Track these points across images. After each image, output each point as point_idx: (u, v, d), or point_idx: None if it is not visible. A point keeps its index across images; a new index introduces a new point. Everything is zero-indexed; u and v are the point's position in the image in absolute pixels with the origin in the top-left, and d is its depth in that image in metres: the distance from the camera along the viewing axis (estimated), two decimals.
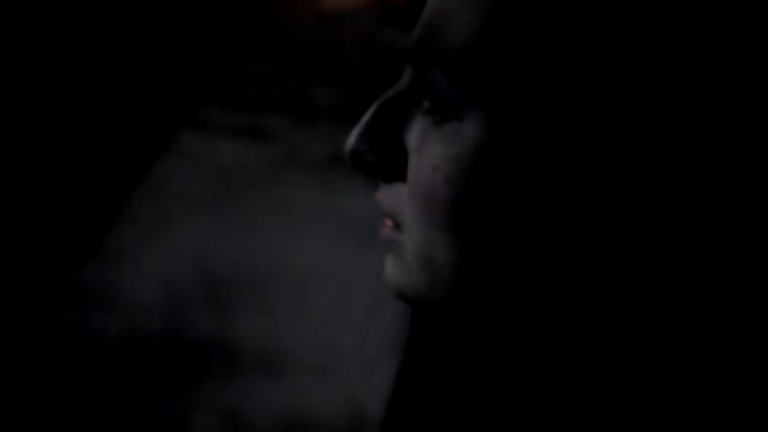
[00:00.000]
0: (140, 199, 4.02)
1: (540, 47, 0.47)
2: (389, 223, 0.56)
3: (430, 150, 0.52)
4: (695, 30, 0.46)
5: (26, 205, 3.68)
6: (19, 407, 2.60)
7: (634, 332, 0.48)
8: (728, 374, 0.48)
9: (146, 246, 3.61)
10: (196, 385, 2.80)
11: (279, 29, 6.92)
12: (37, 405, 2.62)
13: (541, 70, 0.47)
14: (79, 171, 4.03)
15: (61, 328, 2.99)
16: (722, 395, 0.48)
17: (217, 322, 3.13)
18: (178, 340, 3.01)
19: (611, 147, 0.47)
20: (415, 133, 0.53)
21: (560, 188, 0.48)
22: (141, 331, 3.03)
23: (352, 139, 0.55)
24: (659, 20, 0.46)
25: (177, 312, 3.16)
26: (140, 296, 3.22)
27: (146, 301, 3.20)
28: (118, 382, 2.76)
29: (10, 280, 3.19)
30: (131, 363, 2.86)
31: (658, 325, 0.48)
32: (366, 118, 0.55)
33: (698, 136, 0.46)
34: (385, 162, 0.54)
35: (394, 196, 0.55)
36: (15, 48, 4.51)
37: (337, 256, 3.66)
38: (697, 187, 0.47)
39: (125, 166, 4.24)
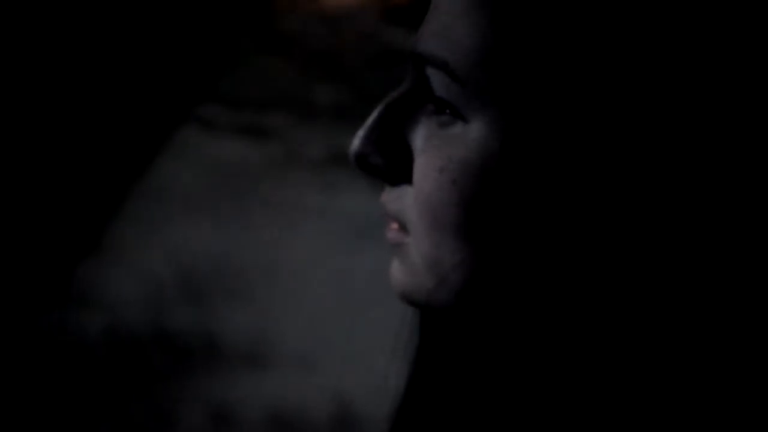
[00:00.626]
0: (139, 197, 4.02)
1: (545, 49, 0.47)
2: (395, 225, 0.55)
3: (436, 152, 0.51)
4: (697, 33, 0.46)
5: (22, 203, 3.68)
6: (5, 402, 2.60)
7: (642, 335, 0.48)
8: (728, 374, 0.48)
9: (142, 243, 3.61)
10: (183, 381, 2.81)
11: (279, 28, 6.91)
12: (23, 400, 2.62)
13: (547, 72, 0.47)
14: (76, 169, 4.03)
15: (52, 324, 2.99)
16: (722, 395, 0.48)
17: (207, 319, 3.13)
18: (167, 336, 3.02)
19: (617, 148, 0.47)
20: (421, 135, 0.53)
21: (567, 190, 0.48)
22: (131, 327, 3.04)
23: (356, 142, 0.54)
24: (663, 22, 0.46)
25: (167, 309, 3.17)
26: (132, 293, 3.23)
27: (137, 297, 3.21)
28: (107, 377, 2.77)
29: (4, 277, 3.19)
30: (119, 358, 2.87)
31: (666, 332, 0.48)
32: (370, 120, 0.55)
33: (701, 141, 0.46)
34: (390, 164, 0.54)
35: (399, 198, 0.54)
36: (13, 45, 4.51)
37: (335, 254, 3.66)
38: (700, 190, 0.47)
39: (123, 163, 4.24)
